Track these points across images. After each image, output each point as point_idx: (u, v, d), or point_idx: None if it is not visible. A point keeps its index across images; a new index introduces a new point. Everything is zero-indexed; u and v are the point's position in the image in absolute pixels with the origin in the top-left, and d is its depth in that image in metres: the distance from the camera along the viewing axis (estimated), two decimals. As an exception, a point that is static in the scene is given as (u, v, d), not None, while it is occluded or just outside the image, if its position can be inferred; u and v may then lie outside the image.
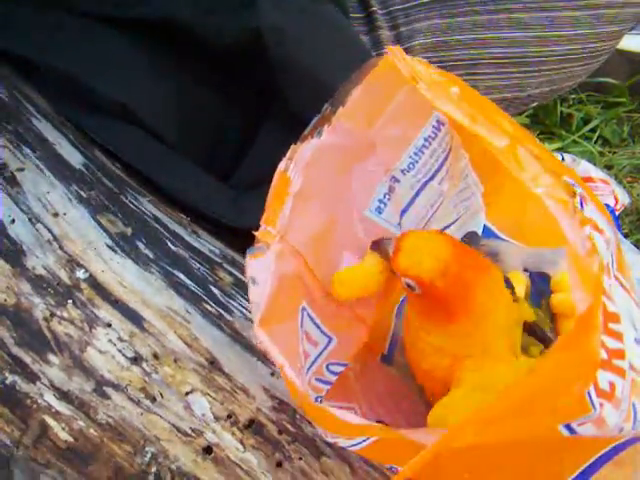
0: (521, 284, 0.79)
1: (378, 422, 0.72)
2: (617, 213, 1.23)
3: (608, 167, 1.39)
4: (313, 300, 0.73)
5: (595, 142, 1.42)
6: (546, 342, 0.72)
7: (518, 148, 0.61)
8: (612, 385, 0.58)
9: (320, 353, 0.74)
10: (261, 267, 0.68)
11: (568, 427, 0.58)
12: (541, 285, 0.80)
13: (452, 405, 0.68)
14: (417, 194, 0.77)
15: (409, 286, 0.67)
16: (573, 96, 1.44)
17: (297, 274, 0.72)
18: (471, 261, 0.69)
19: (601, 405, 0.57)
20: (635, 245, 1.23)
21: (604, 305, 0.57)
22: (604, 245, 0.59)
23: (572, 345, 0.55)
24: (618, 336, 0.60)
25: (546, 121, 1.42)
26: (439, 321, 0.68)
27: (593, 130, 1.44)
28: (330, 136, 0.71)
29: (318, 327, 0.74)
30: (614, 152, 1.42)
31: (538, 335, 0.72)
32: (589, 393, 0.56)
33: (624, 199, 1.24)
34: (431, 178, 0.77)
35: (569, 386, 0.56)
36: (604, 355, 0.57)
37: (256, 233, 0.69)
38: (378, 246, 0.70)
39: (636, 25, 1.25)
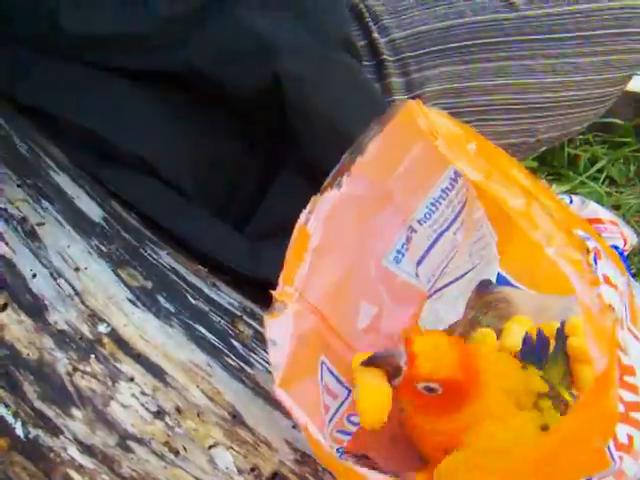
0: (520, 328, 0.80)
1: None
2: (626, 254, 1.23)
3: (615, 207, 1.39)
4: (332, 353, 0.74)
5: (602, 182, 1.43)
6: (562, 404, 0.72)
7: (532, 206, 0.61)
8: (630, 438, 0.59)
9: (340, 405, 0.74)
10: (280, 328, 0.69)
11: (589, 481, 0.59)
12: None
13: (455, 463, 0.68)
14: (433, 245, 0.78)
15: (430, 389, 0.67)
16: (580, 137, 1.44)
17: (315, 331, 0.72)
18: (464, 344, 0.72)
19: (620, 458, 0.58)
20: (645, 285, 1.24)
21: (619, 358, 0.58)
22: (618, 299, 0.60)
23: (591, 403, 0.56)
24: (634, 389, 0.60)
25: (554, 163, 1.43)
26: (453, 410, 0.69)
27: (600, 170, 1.44)
28: (349, 187, 0.71)
29: (337, 380, 0.74)
30: (621, 192, 1.43)
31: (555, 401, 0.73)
32: (609, 447, 0.57)
33: (633, 239, 1.24)
34: (447, 229, 0.78)
35: (589, 442, 0.57)
36: (621, 408, 0.58)
37: (274, 293, 0.69)
38: (376, 361, 0.69)
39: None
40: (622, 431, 0.58)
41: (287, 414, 0.71)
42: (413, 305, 0.80)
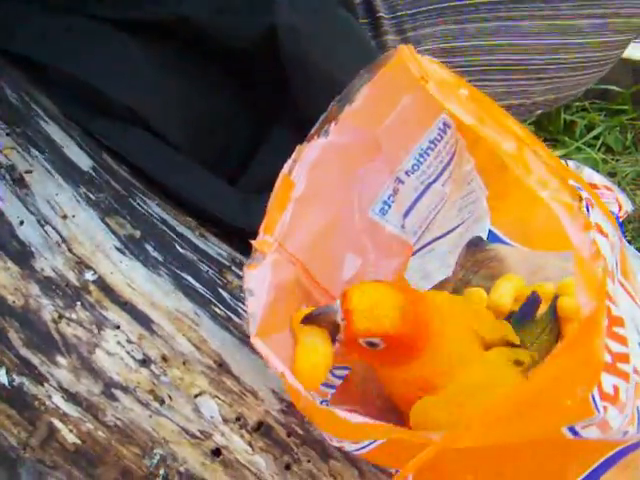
0: (511, 286, 0.79)
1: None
2: (620, 220, 1.22)
3: (611, 174, 1.39)
4: (314, 305, 0.73)
5: (598, 149, 1.42)
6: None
7: (525, 151, 0.61)
8: (616, 388, 0.58)
9: None
10: (258, 278, 0.68)
11: (572, 430, 0.58)
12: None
13: (435, 402, 0.68)
14: (420, 196, 0.77)
15: (371, 344, 0.66)
16: (577, 104, 1.44)
17: (296, 281, 0.71)
18: (415, 294, 0.70)
19: (605, 408, 0.57)
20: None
21: (608, 309, 0.57)
22: (609, 249, 0.60)
23: (576, 348, 0.55)
24: (622, 340, 0.60)
25: (550, 128, 1.42)
26: (404, 362, 0.68)
27: (596, 137, 1.44)
28: (336, 135, 0.70)
29: None
30: (617, 159, 1.43)
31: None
32: (593, 396, 0.56)
33: (627, 206, 1.24)
34: (434, 180, 0.77)
35: (573, 388, 0.56)
36: (608, 358, 0.58)
37: (253, 242, 0.69)
38: (314, 319, 0.68)
39: (640, 34, 1.25)
40: (608, 381, 0.58)
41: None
42: (399, 257, 0.79)
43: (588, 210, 0.59)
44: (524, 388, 0.58)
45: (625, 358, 0.60)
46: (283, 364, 0.64)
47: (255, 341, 0.65)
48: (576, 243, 0.57)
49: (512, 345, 0.72)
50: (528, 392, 0.57)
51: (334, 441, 0.66)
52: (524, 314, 0.78)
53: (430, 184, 0.77)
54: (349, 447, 0.65)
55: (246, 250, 0.81)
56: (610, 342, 0.58)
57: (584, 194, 0.60)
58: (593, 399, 0.56)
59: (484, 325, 0.71)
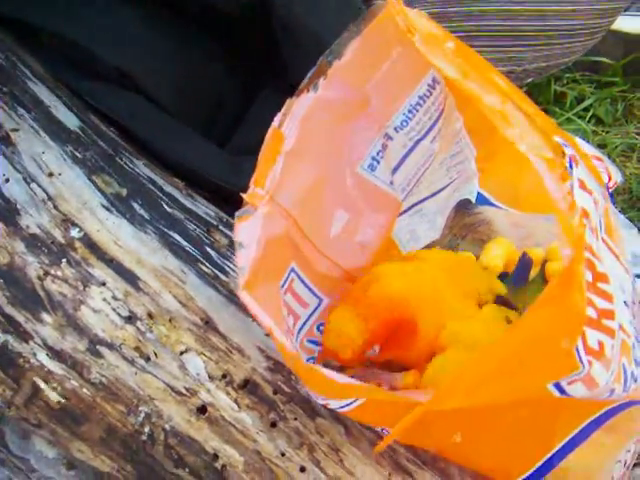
0: (501, 249, 0.79)
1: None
2: (610, 190, 1.22)
3: (601, 146, 1.39)
4: (303, 260, 0.73)
5: (588, 121, 1.42)
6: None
7: (508, 105, 0.60)
8: (601, 344, 0.58)
9: (311, 314, 0.74)
10: (248, 230, 0.67)
11: (558, 386, 0.58)
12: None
13: (445, 363, 0.68)
14: (409, 152, 0.77)
15: (372, 353, 0.69)
16: (567, 75, 1.44)
17: (286, 235, 0.71)
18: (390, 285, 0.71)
19: (590, 363, 0.57)
20: (628, 222, 1.24)
21: (593, 264, 0.57)
22: (593, 206, 0.59)
23: (556, 299, 0.55)
24: (607, 296, 0.59)
25: (540, 99, 1.42)
26: (409, 343, 0.70)
27: (587, 109, 1.44)
28: (326, 90, 0.70)
29: (309, 288, 0.73)
30: (607, 131, 1.42)
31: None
32: (577, 350, 0.56)
33: (617, 177, 1.24)
34: (423, 137, 0.77)
35: (556, 342, 0.56)
36: (593, 314, 0.57)
37: (244, 195, 0.68)
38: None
39: (631, 5, 1.25)
40: (593, 337, 0.57)
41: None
42: (387, 213, 0.79)
43: (572, 166, 0.59)
44: (506, 343, 0.57)
45: (610, 315, 0.59)
46: (270, 319, 0.64)
47: (243, 295, 0.65)
48: (554, 195, 0.57)
49: (505, 305, 0.72)
50: (510, 348, 0.57)
51: (319, 399, 0.66)
52: (519, 278, 0.79)
53: (419, 140, 0.76)
54: (333, 404, 0.66)
55: (234, 213, 0.81)
56: (595, 298, 0.58)
57: (568, 150, 0.60)
58: (577, 353, 0.56)
59: (478, 283, 0.72)
